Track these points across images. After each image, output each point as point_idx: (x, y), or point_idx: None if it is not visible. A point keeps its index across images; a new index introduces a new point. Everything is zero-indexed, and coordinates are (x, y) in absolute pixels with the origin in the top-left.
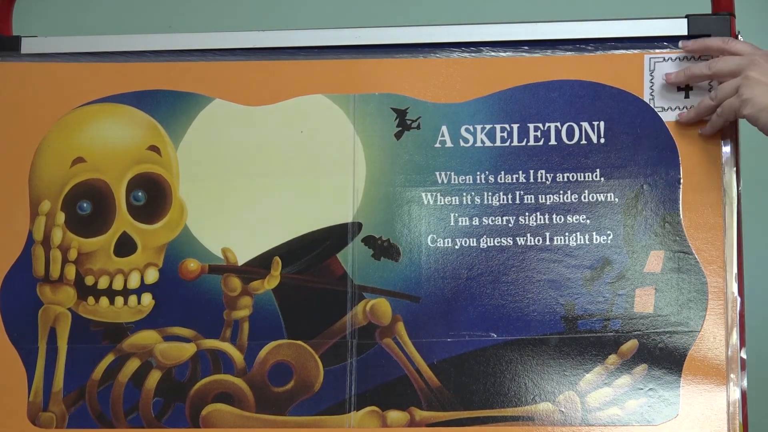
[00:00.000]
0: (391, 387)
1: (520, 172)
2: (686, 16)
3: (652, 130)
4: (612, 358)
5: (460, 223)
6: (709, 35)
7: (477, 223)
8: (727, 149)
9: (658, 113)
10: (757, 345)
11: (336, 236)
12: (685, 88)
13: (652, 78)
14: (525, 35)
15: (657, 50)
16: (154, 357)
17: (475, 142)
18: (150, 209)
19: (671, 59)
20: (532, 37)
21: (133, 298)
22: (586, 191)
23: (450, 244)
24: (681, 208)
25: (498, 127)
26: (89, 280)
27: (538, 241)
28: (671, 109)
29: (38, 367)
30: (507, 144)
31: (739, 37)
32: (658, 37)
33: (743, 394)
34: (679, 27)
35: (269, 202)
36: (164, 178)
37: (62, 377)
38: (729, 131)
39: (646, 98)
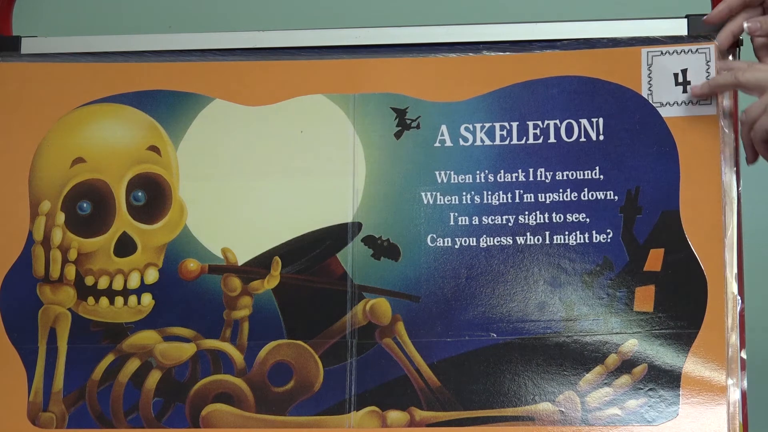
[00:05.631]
0: (391, 387)
1: (520, 170)
2: (686, 16)
3: (650, 126)
4: (612, 358)
5: (459, 223)
6: (708, 36)
7: (477, 223)
8: (727, 149)
9: (657, 108)
10: (757, 345)
11: (336, 236)
12: (683, 83)
13: (650, 72)
14: (524, 35)
15: (654, 44)
16: (154, 357)
17: (474, 141)
18: (150, 209)
19: (668, 53)
20: (532, 37)
21: (133, 298)
22: (586, 189)
23: (450, 244)
24: (680, 206)
25: (497, 125)
26: (89, 281)
27: (538, 240)
28: (669, 104)
29: (38, 367)
30: (506, 143)
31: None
32: (657, 37)
33: (743, 394)
34: (679, 27)
35: (269, 202)
36: (164, 178)
37: (62, 377)
38: (728, 130)
39: (645, 93)
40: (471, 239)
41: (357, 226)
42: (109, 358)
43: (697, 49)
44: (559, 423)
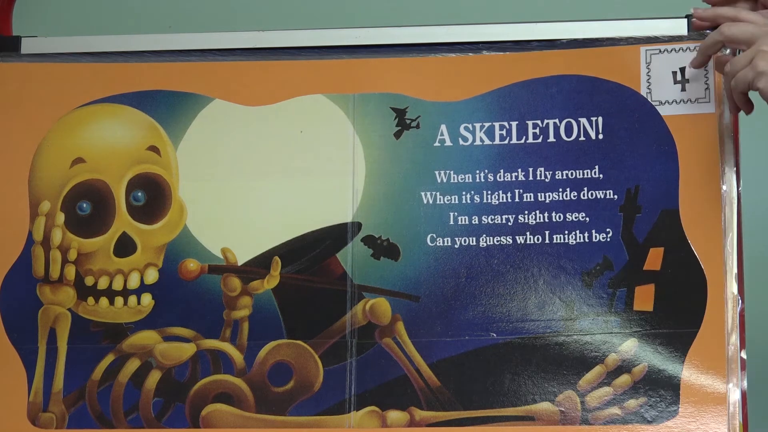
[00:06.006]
0: (390, 387)
1: (519, 170)
2: (686, 16)
3: (650, 124)
4: (612, 358)
5: (459, 222)
6: (707, 35)
7: (476, 222)
8: (727, 149)
9: (656, 107)
10: (757, 345)
11: (335, 236)
12: (681, 81)
13: (649, 71)
14: (524, 35)
15: (653, 43)
16: (154, 357)
17: (474, 140)
18: (150, 209)
19: (667, 51)
20: (532, 37)
21: (132, 299)
22: (585, 188)
23: (449, 243)
24: (680, 205)
25: (497, 125)
26: (89, 281)
27: (538, 239)
28: (668, 102)
29: (38, 368)
30: (506, 142)
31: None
32: (657, 37)
33: (743, 394)
34: (679, 27)
35: (269, 202)
36: (164, 178)
37: (62, 377)
38: (728, 129)
39: (644, 92)
40: (471, 239)
41: (357, 226)
42: (109, 358)
43: (695, 48)
44: (559, 423)
